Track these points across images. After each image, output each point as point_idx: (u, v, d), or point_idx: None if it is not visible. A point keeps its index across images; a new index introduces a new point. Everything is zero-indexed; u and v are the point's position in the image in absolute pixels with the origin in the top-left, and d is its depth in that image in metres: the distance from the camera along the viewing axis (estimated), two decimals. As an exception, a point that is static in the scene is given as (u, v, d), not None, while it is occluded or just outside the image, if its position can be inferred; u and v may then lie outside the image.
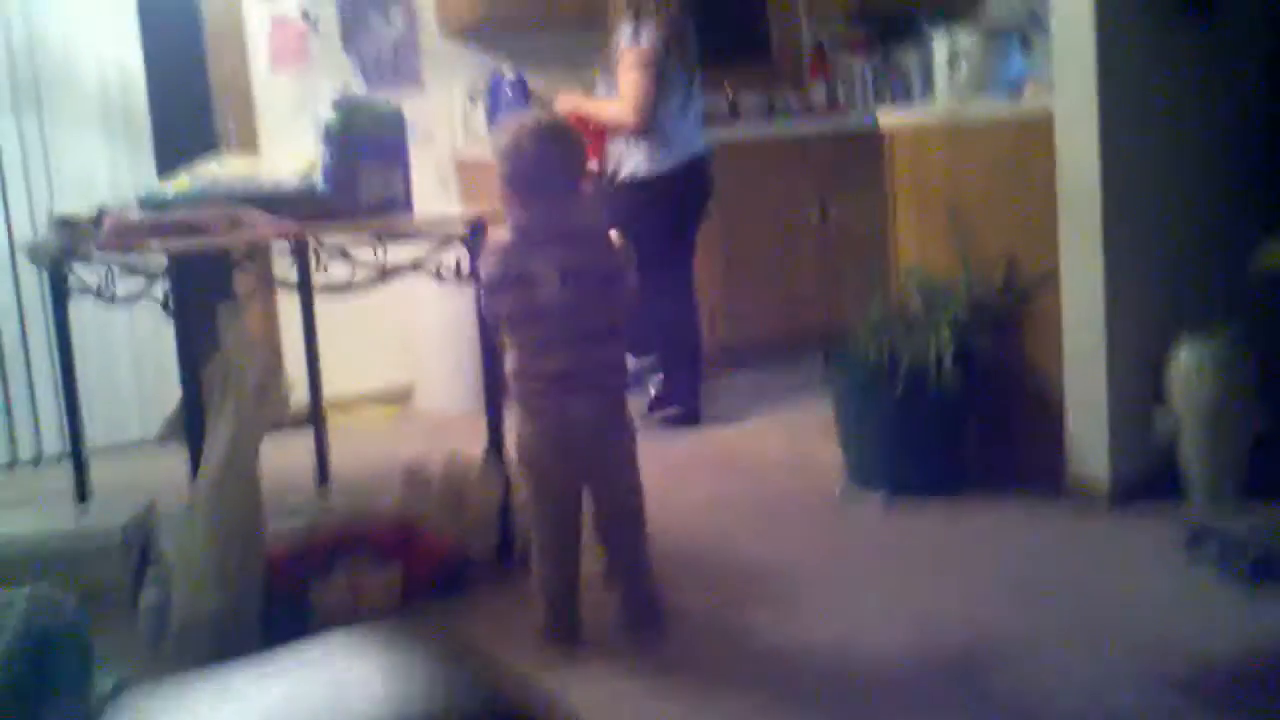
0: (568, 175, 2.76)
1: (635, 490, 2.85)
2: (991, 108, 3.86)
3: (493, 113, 5.51)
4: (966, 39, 4.01)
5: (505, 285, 2.73)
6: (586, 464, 2.79)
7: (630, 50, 4.58)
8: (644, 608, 2.86)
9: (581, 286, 2.70)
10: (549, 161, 2.73)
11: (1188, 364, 3.42)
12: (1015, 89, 3.94)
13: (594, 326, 2.75)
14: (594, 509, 2.83)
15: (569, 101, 4.90)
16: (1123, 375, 3.50)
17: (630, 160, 4.69)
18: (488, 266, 2.77)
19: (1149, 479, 3.52)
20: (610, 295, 2.77)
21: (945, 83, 4.04)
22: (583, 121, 4.55)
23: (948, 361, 3.53)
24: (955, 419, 3.68)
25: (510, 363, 2.78)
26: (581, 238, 2.76)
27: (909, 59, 6.21)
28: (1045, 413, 3.66)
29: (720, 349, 5.41)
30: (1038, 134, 3.61)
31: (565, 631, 2.80)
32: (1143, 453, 3.52)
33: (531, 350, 2.74)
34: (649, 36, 4.56)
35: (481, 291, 2.82)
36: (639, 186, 4.67)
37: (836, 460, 3.89)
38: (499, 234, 2.80)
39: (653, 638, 2.81)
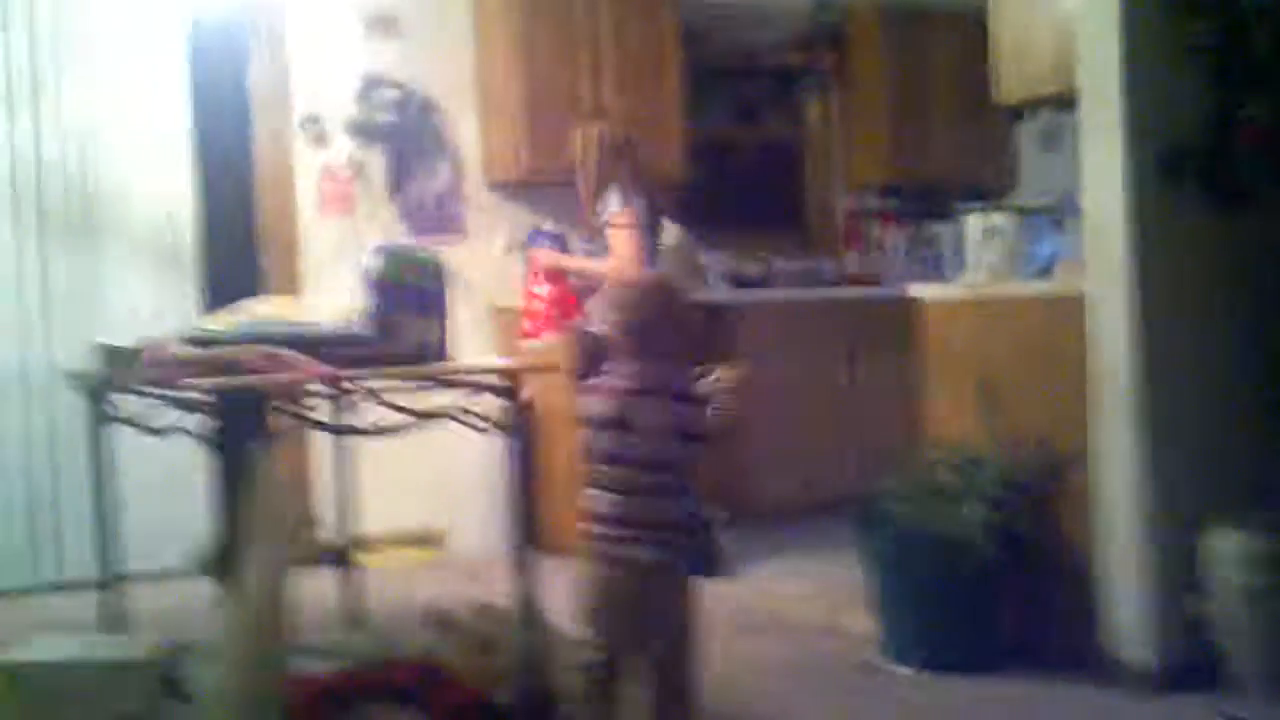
0: (677, 338, 2.91)
1: (687, 647, 2.87)
2: (1023, 287, 3.91)
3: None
4: (1000, 217, 4.09)
5: (604, 425, 2.83)
6: (642, 610, 2.82)
7: (622, 212, 4.92)
8: None
9: (671, 441, 2.82)
10: (664, 323, 2.89)
11: (1224, 551, 3.38)
12: (1047, 269, 4.01)
13: (673, 481, 2.84)
14: (646, 664, 2.85)
15: (549, 257, 5.25)
16: (1158, 557, 3.46)
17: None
18: (590, 406, 2.87)
19: (1188, 663, 3.45)
20: (695, 455, 2.87)
21: (977, 260, 4.11)
22: (560, 276, 5.10)
23: (983, 534, 3.51)
24: (990, 594, 3.65)
25: (585, 502, 2.86)
26: (680, 397, 2.86)
27: (943, 233, 6.33)
28: (1082, 591, 3.60)
29: (745, 506, 5.41)
30: (1069, 313, 3.64)
31: None
32: (1180, 637, 3.46)
33: (611, 492, 2.82)
34: (635, 201, 4.97)
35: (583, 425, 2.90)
36: None
37: (866, 626, 3.84)
38: (608, 379, 2.89)
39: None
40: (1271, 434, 3.52)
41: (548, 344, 4.97)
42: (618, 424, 2.81)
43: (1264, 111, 3.40)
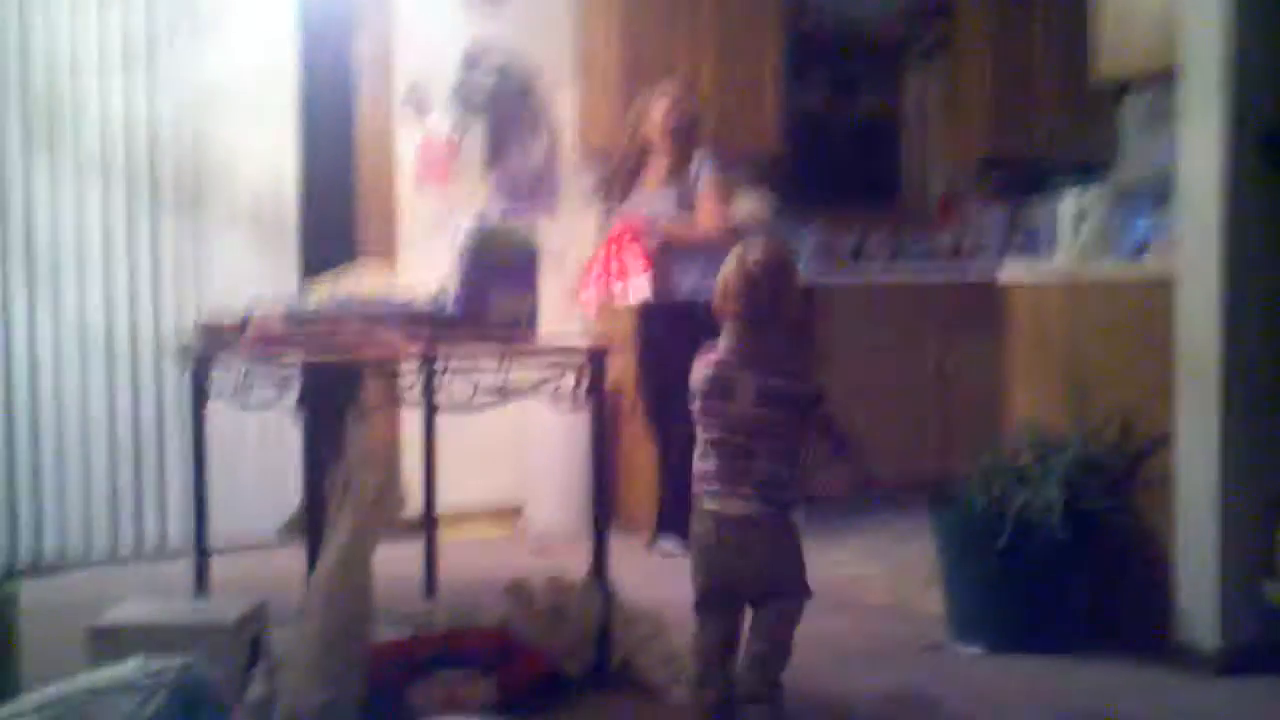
0: (779, 306, 3.00)
1: (787, 598, 2.99)
2: (1112, 270, 3.88)
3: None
4: (1093, 196, 4.05)
5: (710, 393, 2.99)
6: (738, 559, 2.96)
7: (711, 178, 5.08)
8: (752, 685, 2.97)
9: (774, 406, 2.96)
10: (764, 292, 2.97)
11: (1301, 538, 3.38)
12: (1140, 250, 3.96)
13: (775, 445, 2.97)
14: (751, 602, 3.00)
15: (642, 220, 5.14)
16: (1236, 542, 3.46)
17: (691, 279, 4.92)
18: (697, 375, 3.03)
19: (1261, 648, 3.46)
20: (803, 419, 3.01)
21: (1069, 240, 4.07)
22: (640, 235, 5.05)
23: (1056, 515, 3.52)
24: (1062, 574, 3.65)
25: (697, 464, 3.03)
26: (781, 362, 3.00)
27: (1040, 211, 6.24)
28: (1156, 574, 3.62)
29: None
30: (1159, 296, 3.63)
31: (705, 706, 2.98)
32: (1255, 621, 3.47)
33: (717, 455, 2.99)
34: (714, 164, 5.12)
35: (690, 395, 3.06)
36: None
37: (936, 608, 3.88)
38: (716, 347, 3.06)
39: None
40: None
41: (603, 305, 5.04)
42: (722, 392, 2.97)
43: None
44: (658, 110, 5.11)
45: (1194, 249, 3.52)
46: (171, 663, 1.83)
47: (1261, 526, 3.46)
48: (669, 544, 4.99)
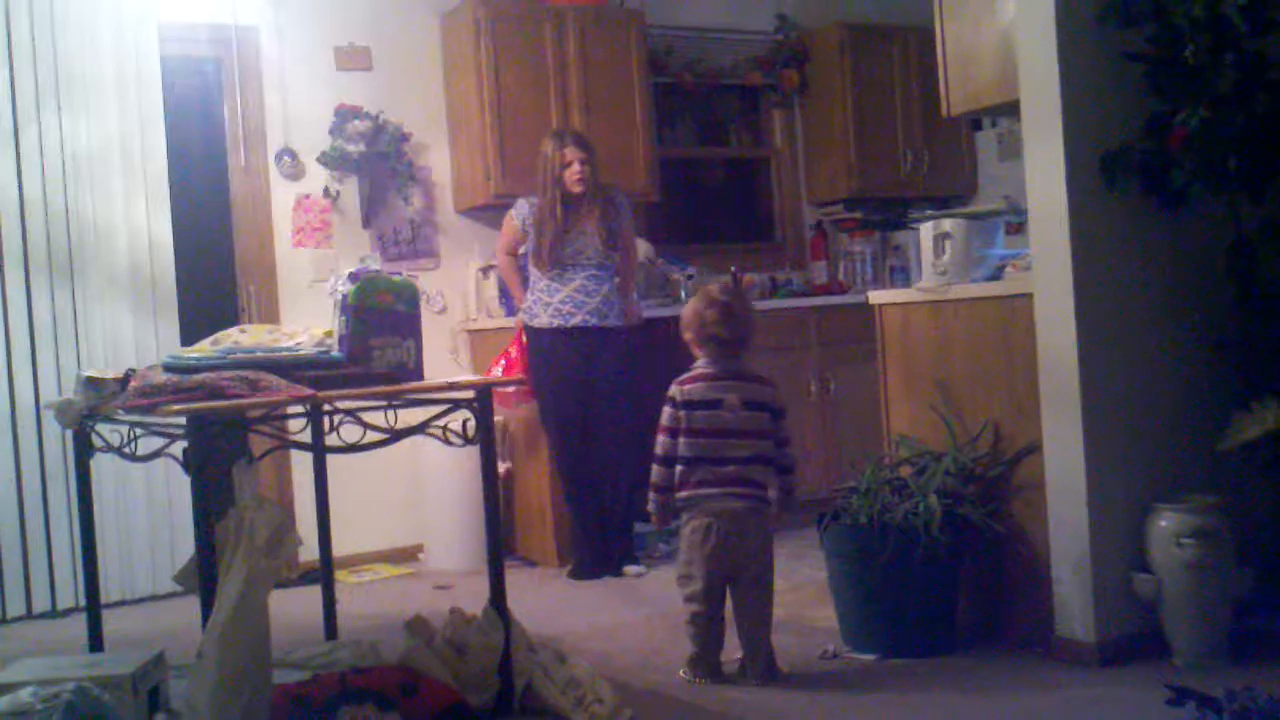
0: (740, 337, 3.76)
1: (768, 574, 3.69)
2: (972, 289, 4.06)
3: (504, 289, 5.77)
4: (950, 224, 4.23)
5: (700, 405, 3.66)
6: (736, 548, 3.62)
7: (629, 216, 5.47)
8: (765, 670, 3.67)
9: (756, 411, 3.68)
10: (740, 319, 3.75)
11: (1167, 531, 3.55)
12: (998, 270, 4.15)
13: (755, 446, 3.67)
14: (734, 588, 3.66)
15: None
16: (1105, 539, 3.62)
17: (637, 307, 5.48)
18: (688, 391, 3.70)
19: (1135, 640, 3.63)
20: (774, 425, 3.71)
21: (931, 264, 4.25)
22: None
23: (935, 526, 3.66)
24: (944, 581, 3.79)
25: (682, 477, 3.66)
26: (751, 380, 3.74)
27: (907, 242, 6.47)
28: (1033, 575, 3.78)
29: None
30: (1018, 311, 3.81)
31: (709, 671, 3.69)
32: (1128, 615, 3.63)
33: (710, 459, 3.64)
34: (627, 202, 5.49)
35: (671, 408, 3.71)
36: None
37: (830, 620, 4.00)
38: (695, 370, 3.76)
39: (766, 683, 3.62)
40: (1211, 421, 3.67)
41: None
42: (712, 404, 3.65)
43: (1195, 118, 3.54)
44: (573, 171, 5.20)
45: (1047, 265, 3.70)
46: (66, 685, 1.87)
47: (1129, 523, 3.63)
48: (634, 568, 5.27)
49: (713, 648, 3.69)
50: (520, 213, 5.33)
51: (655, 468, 3.74)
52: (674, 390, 3.73)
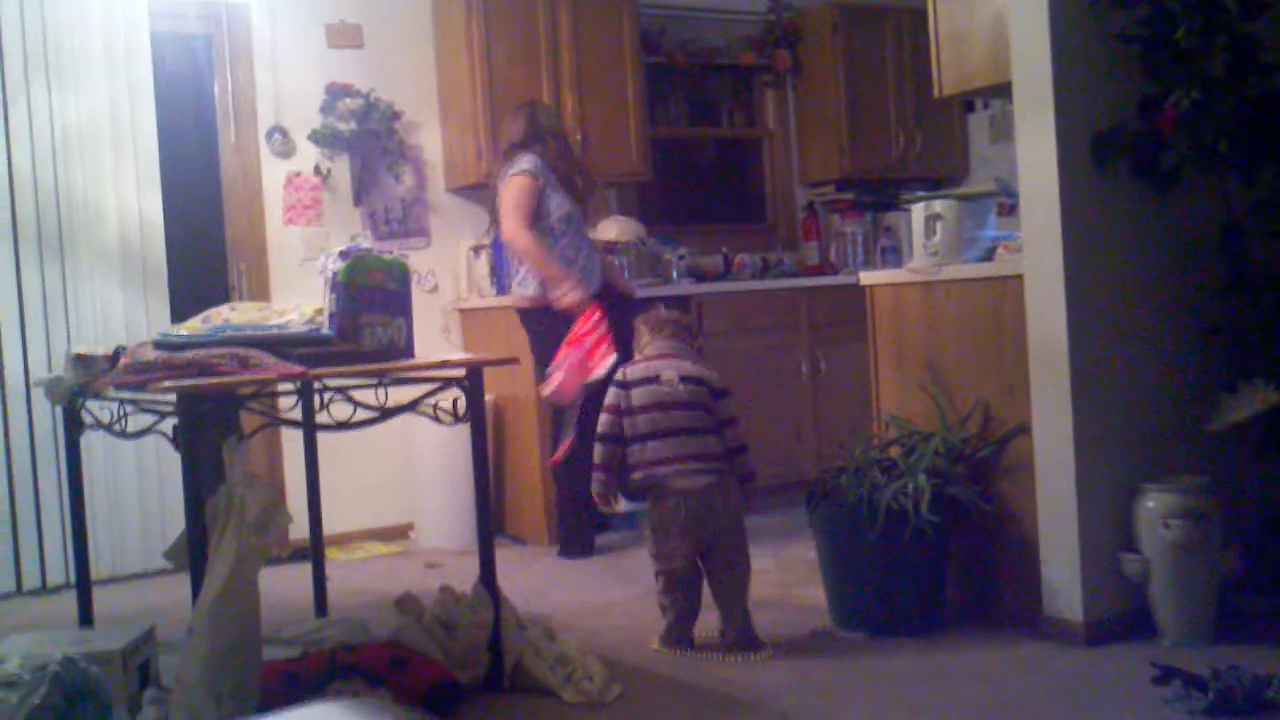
0: (688, 327, 4.04)
1: (741, 547, 3.74)
2: (963, 269, 4.06)
3: (497, 265, 5.76)
4: (941, 205, 4.23)
5: (643, 381, 3.78)
6: (705, 525, 3.67)
7: None
8: (741, 635, 3.73)
9: (694, 386, 3.78)
10: (680, 321, 4.02)
11: (1154, 510, 3.57)
12: (991, 252, 4.15)
13: (702, 421, 3.75)
14: (707, 563, 3.71)
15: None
16: (1094, 520, 3.63)
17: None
18: (629, 371, 3.82)
19: (1122, 619, 3.64)
20: (715, 402, 3.79)
21: (922, 245, 4.25)
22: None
23: (924, 505, 3.67)
24: (933, 561, 3.81)
25: (635, 457, 3.73)
26: (687, 358, 3.89)
27: (898, 223, 6.48)
28: (1022, 555, 3.79)
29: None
30: (1010, 292, 3.82)
31: (682, 640, 3.77)
32: (1115, 594, 3.64)
33: (658, 433, 3.71)
34: None
35: (615, 388, 3.82)
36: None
37: (818, 598, 4.01)
38: (641, 355, 3.93)
39: (746, 653, 3.67)
40: (1200, 401, 3.68)
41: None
42: (650, 379, 3.77)
43: (1187, 100, 3.54)
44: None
45: (1037, 246, 3.70)
46: (53, 656, 1.89)
47: (1118, 503, 3.65)
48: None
49: (686, 621, 3.77)
50: (535, 168, 5.12)
51: (596, 446, 3.83)
52: (618, 373, 3.87)
